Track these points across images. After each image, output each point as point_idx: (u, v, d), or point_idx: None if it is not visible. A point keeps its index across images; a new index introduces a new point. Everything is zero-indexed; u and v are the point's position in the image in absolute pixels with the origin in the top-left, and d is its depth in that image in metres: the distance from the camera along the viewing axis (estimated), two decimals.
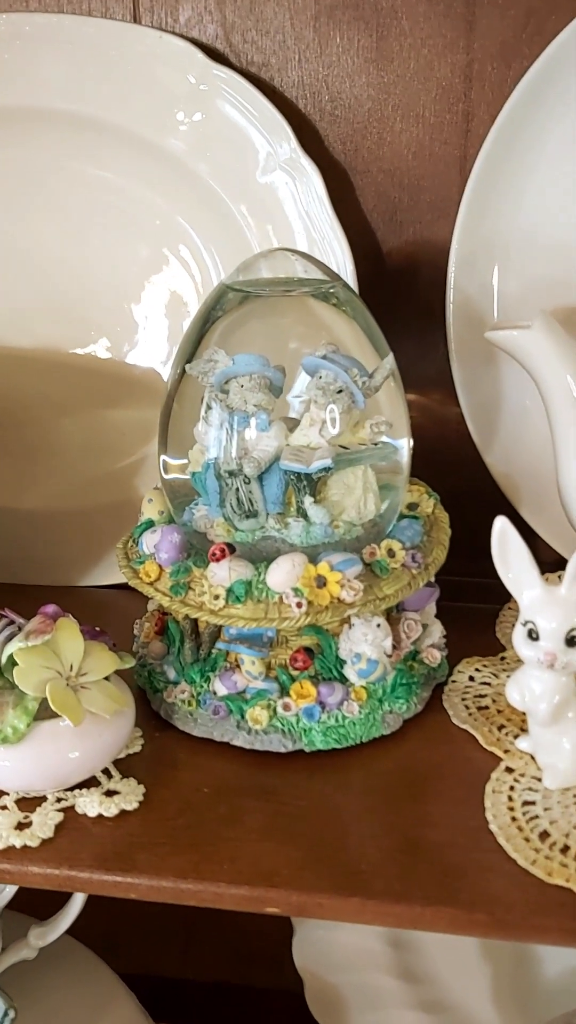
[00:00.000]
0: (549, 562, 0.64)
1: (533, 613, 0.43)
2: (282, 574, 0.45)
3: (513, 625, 0.59)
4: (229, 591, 0.46)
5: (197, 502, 0.51)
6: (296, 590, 0.45)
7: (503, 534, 0.43)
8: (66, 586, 0.67)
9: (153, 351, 0.65)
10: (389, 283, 0.64)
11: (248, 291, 0.49)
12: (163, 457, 0.51)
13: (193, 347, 0.50)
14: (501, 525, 0.43)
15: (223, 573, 0.46)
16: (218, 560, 0.46)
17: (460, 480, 0.65)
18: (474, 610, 0.60)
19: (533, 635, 0.43)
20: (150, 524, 0.52)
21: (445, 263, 0.59)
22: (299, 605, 0.45)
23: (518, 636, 0.44)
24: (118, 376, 0.65)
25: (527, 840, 0.42)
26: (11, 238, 0.64)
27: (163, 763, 0.47)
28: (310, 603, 0.45)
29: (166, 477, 0.52)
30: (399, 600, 0.47)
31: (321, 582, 0.45)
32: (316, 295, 0.49)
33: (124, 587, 0.67)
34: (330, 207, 0.59)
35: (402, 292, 0.64)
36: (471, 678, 0.54)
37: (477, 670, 0.54)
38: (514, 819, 0.44)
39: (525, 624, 0.44)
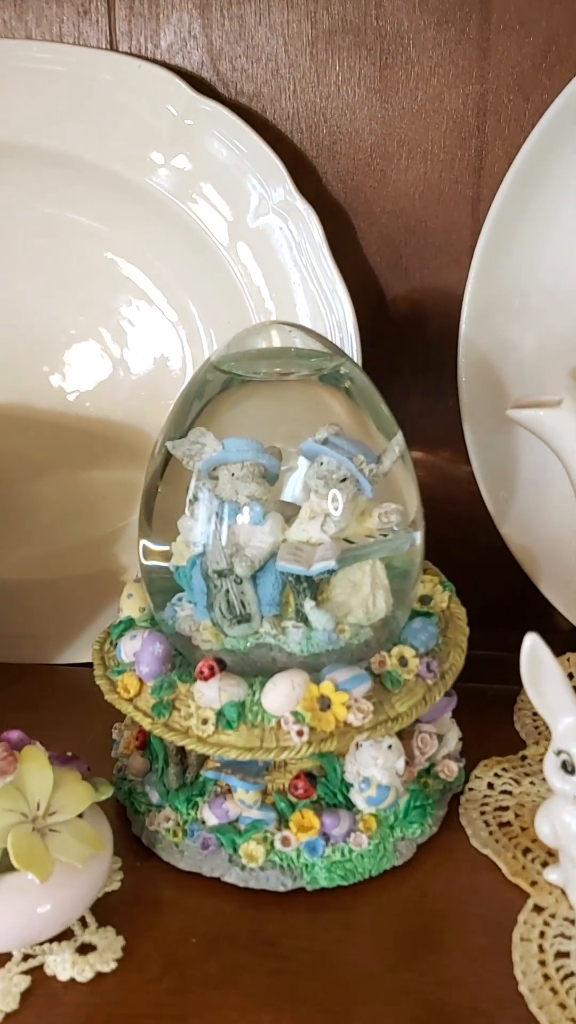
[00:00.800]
0: (566, 630, 0.59)
1: (569, 743, 0.38)
2: (280, 696, 0.39)
3: (533, 714, 0.55)
4: (219, 715, 0.40)
5: (181, 597, 0.45)
6: (296, 715, 0.39)
7: (534, 653, 0.38)
8: (39, 664, 0.61)
9: (136, 408, 0.59)
10: (393, 334, 0.58)
11: (239, 375, 0.43)
12: (143, 542, 0.46)
13: (178, 426, 0.44)
14: (532, 643, 0.38)
15: (212, 694, 0.40)
16: (206, 679, 0.40)
17: (471, 543, 0.60)
18: (488, 693, 0.55)
19: (568, 767, 0.38)
20: (130, 624, 0.46)
21: (456, 314, 0.54)
22: (300, 733, 0.39)
23: (550, 766, 0.39)
24: (97, 435, 0.60)
25: (562, 1007, 0.37)
26: None
27: (145, 903, 0.42)
28: (312, 729, 0.39)
29: (146, 564, 0.46)
30: (413, 719, 0.41)
31: (325, 704, 0.40)
32: (317, 377, 0.43)
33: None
34: (328, 254, 0.53)
35: (408, 345, 0.59)
36: (490, 785, 0.48)
37: (496, 775, 0.49)
38: (547, 977, 0.38)
39: (559, 754, 0.38)
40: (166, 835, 0.43)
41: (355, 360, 0.51)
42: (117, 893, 0.42)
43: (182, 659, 0.43)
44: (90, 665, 0.59)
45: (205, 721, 0.40)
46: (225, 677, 0.40)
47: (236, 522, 0.42)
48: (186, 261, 0.56)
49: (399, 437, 0.44)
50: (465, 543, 0.58)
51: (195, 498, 0.42)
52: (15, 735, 0.41)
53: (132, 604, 0.46)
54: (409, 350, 0.58)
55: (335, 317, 0.53)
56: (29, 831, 0.38)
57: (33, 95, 0.54)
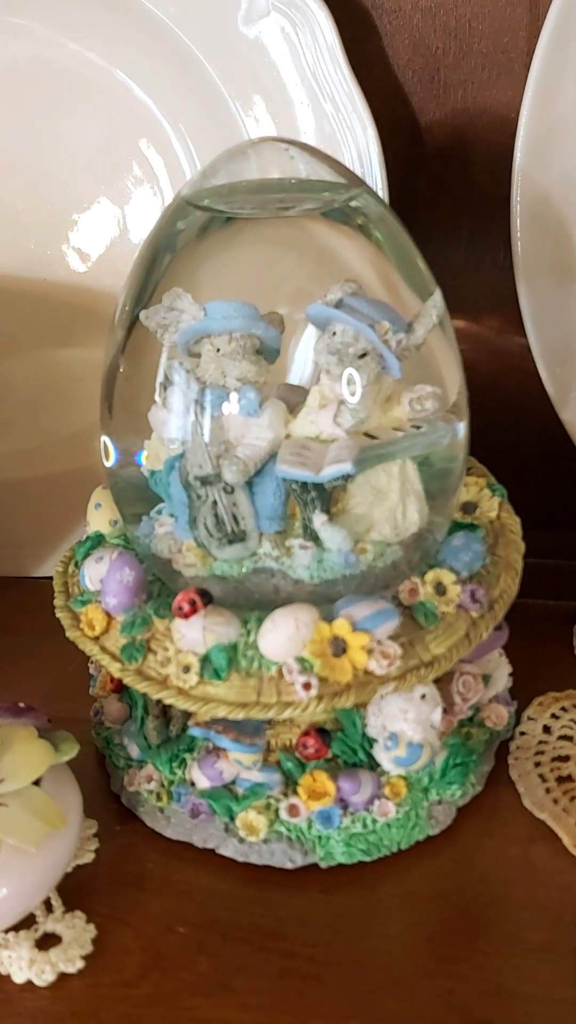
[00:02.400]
0: None
1: None
2: (282, 638, 0.31)
3: None
4: (204, 661, 0.31)
5: (160, 510, 0.36)
6: (302, 661, 0.31)
7: None
8: (15, 577, 0.53)
9: (120, 270, 0.49)
10: (428, 169, 0.47)
11: (219, 210, 0.32)
12: (105, 439, 0.36)
13: (142, 286, 0.34)
14: None
15: (195, 635, 0.31)
16: (187, 616, 0.31)
17: (524, 433, 0.50)
18: (542, 610, 0.46)
19: None
20: (99, 541, 0.37)
21: (510, 142, 0.42)
22: (307, 686, 0.30)
23: None
24: (73, 305, 0.50)
25: None
26: None
27: (123, 879, 0.34)
28: (323, 680, 0.30)
29: (109, 467, 0.37)
30: (453, 663, 0.32)
31: (339, 648, 0.31)
32: (327, 213, 0.33)
33: None
34: (346, 64, 0.41)
35: (447, 182, 0.47)
36: (546, 729, 0.40)
37: (554, 716, 0.40)
38: None
39: None
40: (148, 797, 0.35)
41: (380, 196, 0.40)
42: (90, 866, 0.35)
43: (162, 587, 0.35)
44: None
45: (187, 669, 0.31)
46: (211, 613, 0.31)
47: (224, 413, 0.32)
48: (167, 80, 0.44)
49: (437, 297, 0.33)
50: (517, 432, 0.49)
51: (168, 381, 0.33)
52: None
53: (101, 516, 0.37)
54: (449, 189, 0.47)
55: (354, 146, 0.42)
56: None
57: None
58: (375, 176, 0.42)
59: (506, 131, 0.44)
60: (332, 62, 0.42)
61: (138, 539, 0.35)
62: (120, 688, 0.37)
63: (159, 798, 0.35)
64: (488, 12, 0.44)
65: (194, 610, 0.31)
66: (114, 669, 0.33)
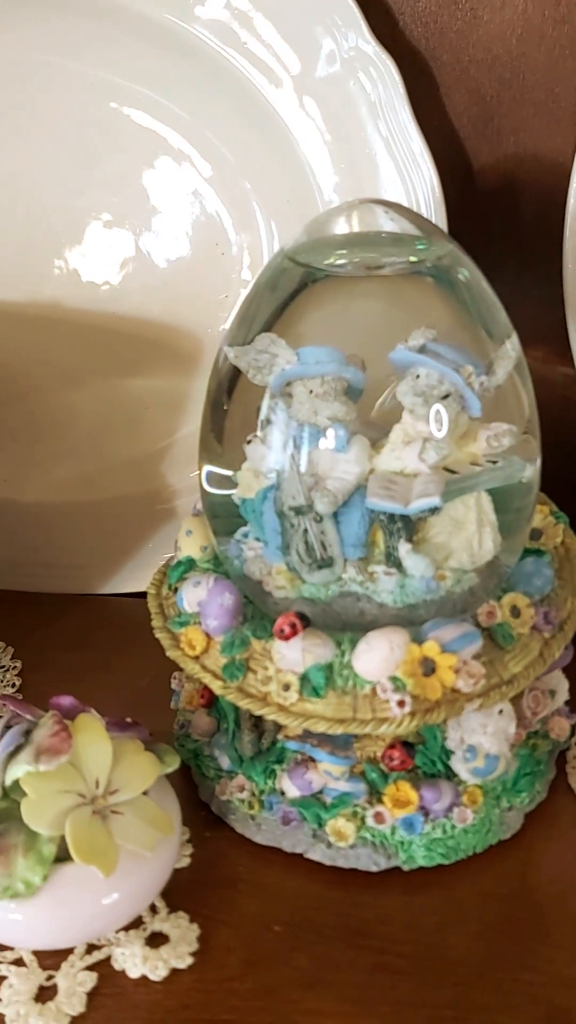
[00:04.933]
0: None
1: None
2: (377, 659, 0.33)
3: None
4: (304, 679, 0.34)
5: (247, 533, 0.38)
6: (395, 681, 0.33)
7: None
8: (84, 595, 0.55)
9: (181, 304, 0.51)
10: (479, 210, 0.50)
11: (316, 267, 0.35)
12: (208, 468, 0.39)
13: (245, 330, 0.36)
14: None
15: (294, 655, 0.34)
16: (287, 638, 0.34)
17: (571, 458, 0.52)
18: None
19: None
20: (190, 565, 0.40)
21: (561, 185, 0.45)
22: (400, 704, 0.33)
23: None
24: (140, 338, 0.52)
25: None
26: None
27: (218, 882, 0.37)
28: (415, 698, 0.33)
29: (210, 490, 0.39)
30: (530, 681, 0.35)
31: (429, 668, 0.33)
32: (417, 271, 0.35)
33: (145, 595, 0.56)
34: (410, 113, 0.44)
35: (498, 223, 0.50)
36: None
37: None
38: None
39: None
40: (240, 806, 0.38)
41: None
42: (187, 871, 0.37)
43: (253, 608, 0.37)
44: (139, 595, 0.55)
45: (287, 687, 0.34)
46: (309, 635, 0.34)
47: (316, 449, 0.35)
48: (235, 126, 0.47)
49: (514, 340, 0.36)
50: (564, 459, 0.51)
51: (268, 420, 0.35)
52: (67, 701, 0.35)
53: (192, 543, 0.40)
54: (500, 229, 0.50)
55: (417, 190, 0.45)
56: (89, 816, 0.33)
57: None
58: (435, 215, 0.45)
59: (555, 174, 0.47)
60: (396, 111, 0.44)
61: (229, 559, 0.38)
62: (210, 703, 0.40)
63: (250, 806, 0.38)
64: (541, 65, 0.46)
65: (294, 632, 0.34)
66: (216, 686, 0.35)
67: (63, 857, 0.33)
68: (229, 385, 0.37)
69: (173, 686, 0.43)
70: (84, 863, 0.31)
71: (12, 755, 0.33)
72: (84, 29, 0.47)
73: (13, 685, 0.47)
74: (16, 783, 0.33)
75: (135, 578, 0.55)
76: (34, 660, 0.49)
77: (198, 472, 0.39)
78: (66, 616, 0.53)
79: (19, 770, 0.33)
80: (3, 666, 0.49)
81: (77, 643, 0.51)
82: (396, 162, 0.45)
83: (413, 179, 0.45)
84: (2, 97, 0.49)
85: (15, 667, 0.49)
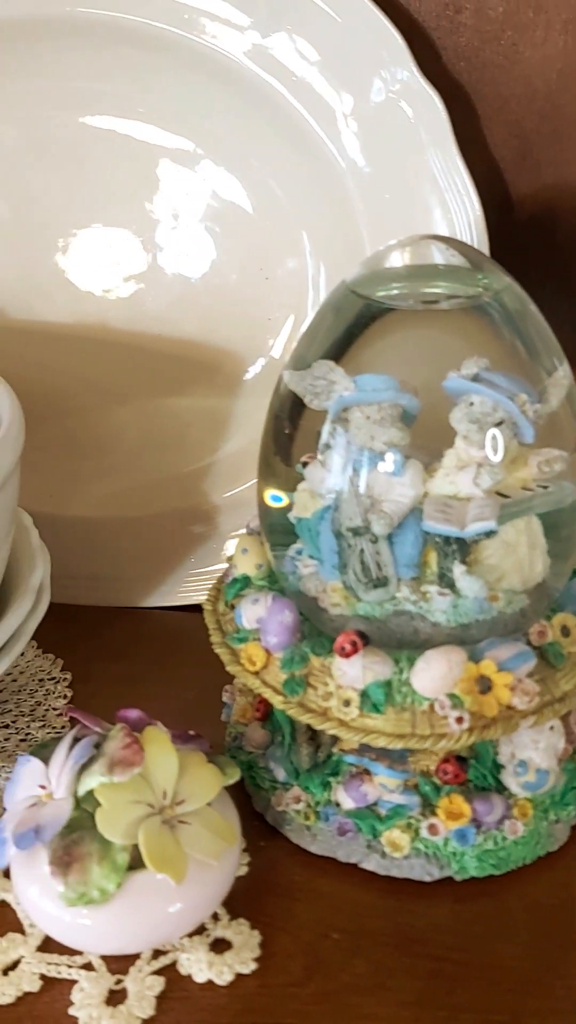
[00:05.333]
0: None
1: None
2: (435, 676, 0.35)
3: None
4: (364, 695, 0.35)
5: (300, 551, 0.40)
6: (453, 698, 0.35)
7: None
8: (126, 608, 0.57)
9: (224, 326, 0.53)
10: (517, 240, 0.51)
11: (374, 300, 0.36)
12: (268, 491, 0.40)
13: (307, 356, 0.38)
14: None
15: (355, 672, 0.35)
16: (348, 655, 0.35)
17: None
18: None
19: None
20: (246, 582, 0.41)
21: None
22: (459, 720, 0.34)
23: None
24: (184, 358, 0.54)
25: None
26: (44, 184, 0.52)
27: (277, 891, 0.38)
28: (472, 715, 0.35)
29: (270, 507, 0.40)
30: None
31: (485, 686, 0.35)
32: (472, 306, 0.37)
33: (196, 609, 0.57)
34: (455, 146, 0.46)
35: (535, 252, 0.51)
36: None
37: None
38: None
39: None
40: (296, 817, 0.39)
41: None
42: (245, 879, 0.38)
43: (309, 625, 0.39)
44: (180, 609, 0.56)
45: (347, 703, 0.35)
46: (369, 653, 0.35)
47: (372, 472, 0.37)
48: (281, 157, 0.49)
49: (566, 368, 0.37)
50: None
51: (328, 444, 0.37)
52: (133, 715, 0.36)
53: (247, 561, 0.41)
54: (538, 257, 0.51)
55: (461, 221, 0.46)
56: (159, 825, 0.34)
57: None
58: (481, 249, 0.46)
59: None
60: (442, 144, 0.46)
61: (284, 575, 0.39)
62: (265, 716, 0.41)
63: (306, 817, 0.39)
64: None
65: (355, 650, 0.35)
66: (276, 701, 0.37)
67: (133, 865, 0.34)
68: (290, 408, 0.39)
69: (224, 699, 0.45)
70: (157, 871, 0.33)
71: (85, 767, 0.35)
72: (132, 57, 0.49)
73: (64, 696, 0.49)
74: (88, 794, 0.34)
75: (176, 592, 0.56)
76: (82, 672, 0.51)
77: (257, 491, 0.40)
78: (110, 629, 0.55)
79: (93, 781, 0.34)
80: (53, 678, 0.50)
81: (122, 655, 0.53)
82: (441, 193, 0.46)
83: (458, 210, 0.46)
84: (62, 127, 0.50)
85: (65, 679, 0.50)
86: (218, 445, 0.55)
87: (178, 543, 0.56)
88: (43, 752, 0.37)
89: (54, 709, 0.48)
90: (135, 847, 0.34)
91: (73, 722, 0.41)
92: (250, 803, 0.42)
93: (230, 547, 0.55)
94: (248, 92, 0.47)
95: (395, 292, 0.37)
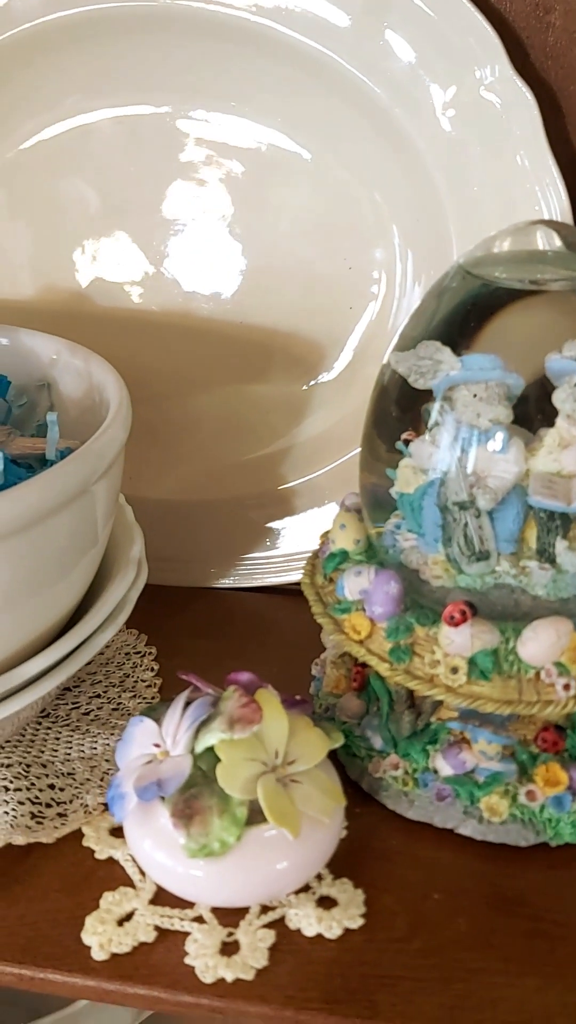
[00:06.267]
0: None
1: None
2: (543, 645, 0.36)
3: None
4: (471, 663, 0.37)
5: (400, 525, 0.41)
6: (560, 666, 0.36)
7: None
8: (201, 588, 0.58)
9: (309, 314, 0.54)
10: None
11: (488, 280, 0.38)
12: (371, 469, 0.41)
13: (414, 336, 0.39)
14: None
15: (463, 640, 0.37)
16: (457, 624, 0.37)
17: None
18: None
19: None
20: (344, 556, 0.42)
21: None
22: (566, 687, 0.36)
23: None
24: (265, 345, 0.55)
25: None
26: (138, 175, 0.54)
27: (376, 855, 0.40)
28: None
29: (373, 481, 0.42)
30: None
31: None
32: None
33: (270, 590, 0.59)
34: (546, 143, 0.47)
35: None
36: None
37: None
38: None
39: None
40: (393, 783, 0.40)
41: None
42: (344, 842, 0.39)
43: (409, 597, 0.40)
44: (256, 590, 0.58)
45: (455, 670, 0.37)
46: (477, 622, 0.37)
47: (478, 449, 0.38)
48: (372, 148, 0.50)
49: None
50: None
51: (437, 422, 0.38)
52: (245, 677, 0.38)
53: (346, 536, 0.43)
54: None
55: (549, 213, 0.48)
56: (275, 782, 0.35)
57: None
58: None
59: None
60: (533, 141, 0.47)
61: (384, 548, 0.41)
62: (362, 687, 0.42)
63: (404, 783, 0.40)
64: None
65: (464, 619, 0.37)
66: (382, 668, 0.38)
67: (248, 821, 0.35)
68: (392, 388, 0.40)
69: (314, 672, 0.46)
70: (276, 825, 0.34)
71: (203, 724, 0.36)
72: (226, 51, 0.50)
73: (152, 669, 0.50)
74: (204, 751, 0.36)
75: (253, 573, 0.58)
76: (166, 647, 0.52)
77: (359, 468, 0.42)
78: (190, 608, 0.56)
79: (213, 738, 0.35)
80: (139, 652, 0.51)
81: (203, 633, 0.54)
82: (529, 187, 0.48)
83: (545, 203, 0.48)
84: (159, 120, 0.52)
85: (151, 652, 0.51)
86: (295, 431, 0.57)
87: (254, 525, 0.58)
88: (153, 713, 0.38)
89: (142, 680, 0.49)
90: (250, 803, 0.35)
91: (161, 690, 0.42)
92: (343, 771, 0.43)
93: (307, 529, 0.57)
94: (342, 87, 0.49)
95: (504, 275, 0.38)
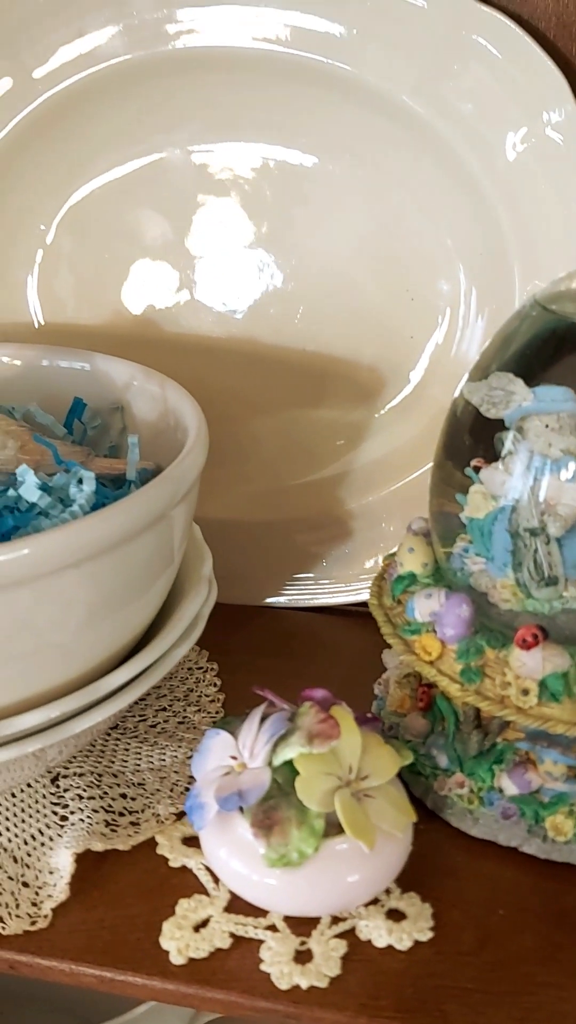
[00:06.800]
0: None
1: None
2: None
3: None
4: (542, 685, 0.38)
5: (468, 549, 0.42)
6: None
7: None
8: (254, 606, 0.60)
9: (371, 343, 0.56)
10: None
11: (562, 314, 0.40)
12: (442, 494, 0.43)
13: (487, 368, 0.41)
14: None
15: (534, 663, 0.38)
16: (529, 647, 0.38)
17: None
18: None
19: None
20: (412, 579, 0.44)
21: None
22: None
23: None
24: (326, 372, 0.57)
25: None
26: (204, 205, 0.56)
27: (441, 870, 0.41)
28: None
29: (443, 506, 0.43)
30: None
31: None
32: None
33: (324, 610, 0.60)
34: None
35: None
36: None
37: None
38: None
39: None
40: (458, 801, 0.42)
41: None
42: (410, 857, 0.40)
43: (479, 620, 0.41)
44: (312, 610, 0.59)
45: (526, 692, 0.38)
46: (548, 646, 0.38)
47: (548, 478, 0.39)
48: (438, 185, 0.52)
49: None
50: None
51: (511, 451, 0.39)
52: (319, 693, 0.39)
53: (414, 559, 0.44)
54: None
55: None
56: (350, 796, 0.36)
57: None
58: None
59: None
60: None
61: (452, 570, 0.42)
62: (428, 706, 0.44)
63: (469, 801, 0.41)
64: None
65: (536, 642, 0.38)
66: (453, 689, 0.39)
67: (324, 833, 0.36)
68: (465, 417, 0.42)
69: (376, 692, 0.47)
70: (354, 837, 0.35)
71: (282, 738, 0.37)
72: (293, 89, 0.52)
73: (215, 684, 0.51)
74: (281, 764, 0.37)
75: (307, 593, 0.59)
76: (226, 663, 0.53)
77: (430, 494, 0.43)
78: (246, 626, 0.58)
79: (292, 751, 0.37)
80: (201, 667, 0.53)
81: (261, 650, 0.55)
82: None
83: None
84: (222, 152, 0.54)
85: (213, 668, 0.53)
86: (354, 456, 0.58)
87: (308, 547, 0.59)
88: (228, 726, 0.40)
89: (206, 695, 0.51)
90: (326, 817, 0.36)
91: (225, 705, 0.45)
92: (407, 788, 0.44)
93: (361, 552, 0.58)
94: (408, 125, 0.51)
95: None
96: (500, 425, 0.40)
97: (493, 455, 0.41)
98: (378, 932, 0.37)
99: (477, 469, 0.42)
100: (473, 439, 0.42)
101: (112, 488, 0.45)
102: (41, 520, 0.39)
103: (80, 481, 0.40)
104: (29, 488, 0.38)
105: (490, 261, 0.52)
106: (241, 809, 0.37)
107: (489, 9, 0.48)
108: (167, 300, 0.57)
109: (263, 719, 0.39)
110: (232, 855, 0.37)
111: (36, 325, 0.58)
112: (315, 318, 0.56)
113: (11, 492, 0.40)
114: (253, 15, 0.50)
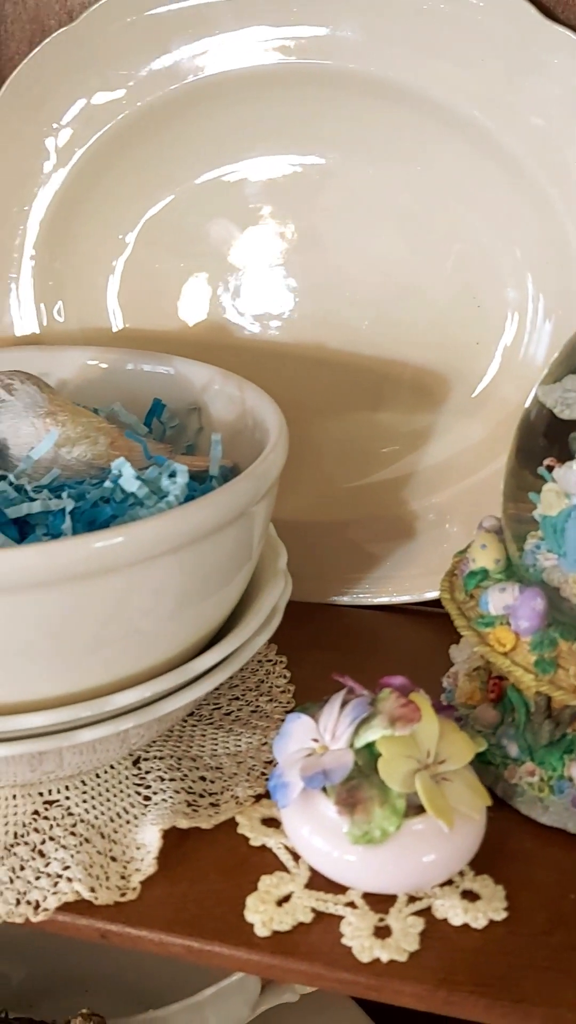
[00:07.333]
0: None
1: None
2: None
3: None
4: None
5: (539, 545, 0.44)
6: None
7: None
8: (318, 603, 0.61)
9: (438, 348, 0.57)
10: None
11: None
12: (516, 493, 0.45)
13: (561, 373, 0.42)
14: None
15: None
16: None
17: None
18: None
19: None
20: (484, 575, 0.45)
21: None
22: None
23: None
24: (391, 377, 0.59)
25: None
26: (278, 216, 0.58)
27: (512, 856, 0.42)
28: None
29: (518, 504, 0.45)
30: None
31: None
32: None
33: (385, 608, 0.62)
34: None
35: None
36: None
37: None
38: None
39: None
40: (529, 789, 0.43)
41: None
42: (482, 842, 0.42)
43: (551, 613, 0.43)
44: (375, 608, 0.61)
45: None
46: None
47: None
48: (507, 200, 0.54)
49: None
50: None
51: None
52: (398, 681, 0.41)
53: (486, 555, 0.45)
54: None
55: None
56: (430, 778, 0.38)
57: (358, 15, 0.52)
58: None
59: None
60: None
61: (524, 566, 0.43)
62: (499, 698, 0.45)
63: (540, 790, 0.43)
64: None
65: None
66: (527, 679, 0.41)
67: (406, 814, 0.38)
68: (540, 419, 0.43)
69: (445, 684, 0.49)
70: (435, 817, 0.37)
71: (364, 721, 0.39)
72: (364, 103, 0.54)
73: (284, 676, 0.53)
74: (364, 746, 0.39)
75: (369, 592, 0.61)
76: (295, 657, 0.55)
77: (503, 493, 0.45)
78: (310, 622, 0.59)
79: (374, 734, 0.38)
80: (271, 660, 0.55)
81: (325, 645, 0.57)
82: None
83: None
84: (297, 165, 0.56)
85: (282, 661, 0.54)
86: (417, 458, 0.60)
87: (371, 546, 0.61)
88: (308, 711, 0.41)
89: (276, 686, 0.52)
90: (407, 798, 0.38)
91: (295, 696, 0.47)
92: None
93: (423, 551, 0.60)
94: (480, 139, 0.53)
95: None
96: (574, 426, 0.42)
97: (567, 455, 0.43)
98: (454, 911, 0.39)
99: (551, 468, 0.43)
100: (547, 441, 0.43)
101: (196, 485, 0.47)
102: (137, 510, 0.41)
103: (173, 474, 0.42)
104: (128, 479, 0.40)
105: (558, 270, 0.53)
106: (324, 790, 0.39)
107: (561, 28, 0.50)
108: (236, 307, 0.59)
109: (344, 704, 0.40)
110: (315, 832, 0.39)
111: (114, 330, 0.61)
112: (381, 324, 0.58)
113: (107, 484, 0.42)
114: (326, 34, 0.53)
